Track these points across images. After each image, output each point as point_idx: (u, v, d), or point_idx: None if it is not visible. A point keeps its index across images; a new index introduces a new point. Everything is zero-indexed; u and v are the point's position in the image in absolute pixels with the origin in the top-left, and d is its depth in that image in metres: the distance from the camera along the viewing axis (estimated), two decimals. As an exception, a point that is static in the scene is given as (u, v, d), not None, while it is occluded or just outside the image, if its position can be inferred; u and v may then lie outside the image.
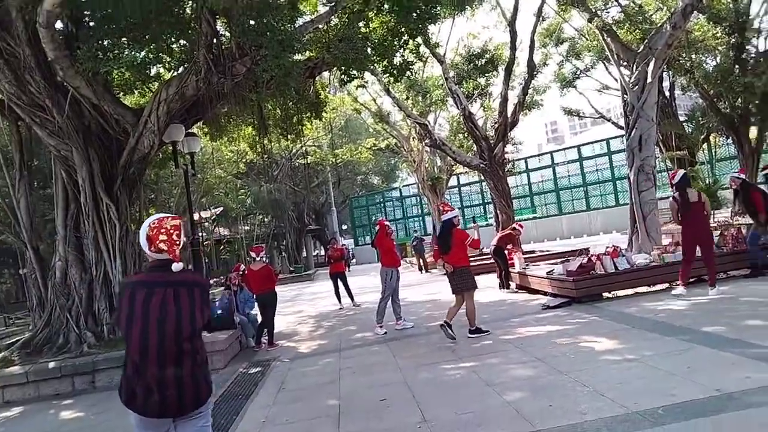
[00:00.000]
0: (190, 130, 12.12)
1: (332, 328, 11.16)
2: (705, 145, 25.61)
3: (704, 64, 20.68)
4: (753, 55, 19.57)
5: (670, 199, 8.78)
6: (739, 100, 19.49)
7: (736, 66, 19.32)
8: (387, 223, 10.38)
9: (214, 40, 9.79)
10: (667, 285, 9.52)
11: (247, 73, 9.60)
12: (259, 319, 10.20)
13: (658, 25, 14.07)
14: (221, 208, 38.04)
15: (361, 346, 8.62)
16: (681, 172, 8.92)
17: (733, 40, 19.23)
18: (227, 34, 10.36)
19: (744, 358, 4.89)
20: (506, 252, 12.75)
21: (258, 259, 10.03)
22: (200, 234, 32.42)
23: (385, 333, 9.25)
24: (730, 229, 10.62)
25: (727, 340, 5.56)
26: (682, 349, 5.55)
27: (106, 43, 9.55)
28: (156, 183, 24.75)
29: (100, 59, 8.96)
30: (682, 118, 24.77)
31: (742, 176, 9.69)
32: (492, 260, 13.49)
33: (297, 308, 15.98)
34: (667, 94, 23.10)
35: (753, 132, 20.80)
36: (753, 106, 19.77)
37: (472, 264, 8.36)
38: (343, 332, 10.41)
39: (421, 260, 23.10)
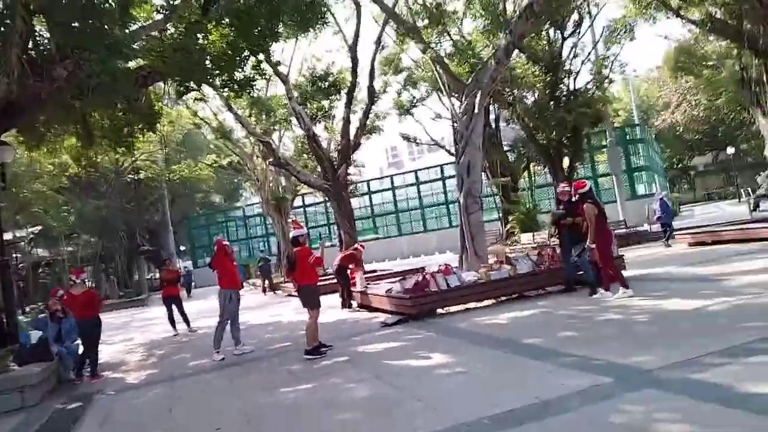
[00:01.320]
0: (1, 139, 10.75)
1: (165, 356, 10.43)
2: (526, 173, 28.31)
3: (524, 99, 22.93)
4: (565, 93, 22.11)
5: (586, 205, 8.75)
6: (554, 132, 21.84)
7: (551, 102, 21.67)
8: (226, 242, 9.98)
9: (30, 40, 8.83)
10: (493, 301, 10.24)
11: (70, 77, 8.76)
12: (81, 349, 9.23)
13: (485, 60, 15.33)
14: (39, 227, 34.18)
15: (197, 374, 8.14)
16: (587, 182, 9.40)
17: (549, 78, 21.58)
18: (47, 33, 9.40)
19: (558, 366, 5.36)
20: (348, 271, 12.91)
21: (78, 282, 9.12)
22: (14, 255, 28.83)
23: (223, 359, 8.82)
24: (547, 248, 11.71)
25: (544, 351, 6.07)
26: (506, 361, 5.97)
27: None
28: (-43, 196, 21.64)
29: None
30: (506, 148, 27.16)
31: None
32: (335, 280, 13.58)
33: (126, 336, 14.75)
34: (493, 125, 25.26)
35: (566, 161, 23.42)
36: (565, 139, 22.28)
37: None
38: (177, 360, 9.77)
39: (266, 281, 22.59)
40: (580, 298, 9.31)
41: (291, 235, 8.43)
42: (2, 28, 9.25)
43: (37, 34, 9.46)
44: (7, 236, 23.64)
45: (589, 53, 22.97)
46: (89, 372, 8.94)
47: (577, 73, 22.72)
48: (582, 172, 31.70)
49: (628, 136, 35.06)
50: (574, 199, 9.49)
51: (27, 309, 25.11)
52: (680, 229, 18.16)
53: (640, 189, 34.08)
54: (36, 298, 30.50)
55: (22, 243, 33.51)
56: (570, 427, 3.90)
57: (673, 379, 4.47)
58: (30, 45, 8.88)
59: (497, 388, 5.04)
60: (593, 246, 8.78)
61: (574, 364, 5.34)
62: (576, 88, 22.47)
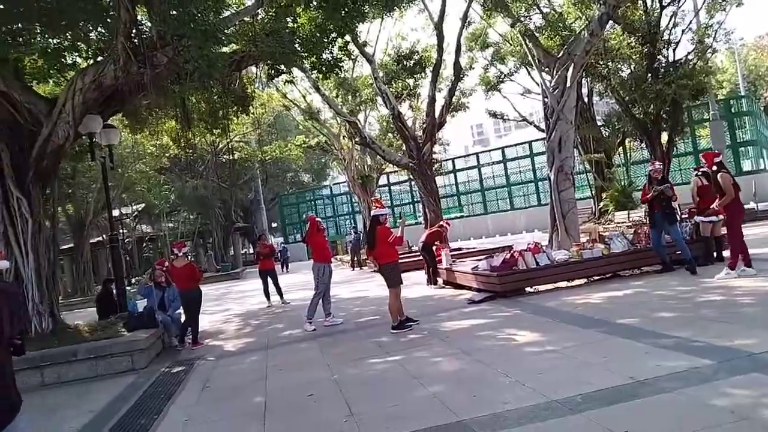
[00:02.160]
0: (108, 122, 11.59)
1: (260, 326, 10.98)
2: (620, 149, 27.02)
3: (620, 72, 21.78)
4: (663, 65, 20.81)
5: (720, 175, 8.39)
6: (652, 106, 20.66)
7: (649, 74, 20.47)
8: (318, 219, 10.32)
9: (134, 29, 9.38)
10: (585, 280, 9.97)
11: (169, 63, 9.25)
12: (183, 318, 9.90)
13: (577, 32, 14.70)
14: (143, 205, 36.61)
15: (289, 344, 8.52)
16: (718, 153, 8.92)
17: (646, 49, 20.38)
18: (148, 22, 9.96)
19: (655, 347, 5.18)
20: (434, 249, 12.96)
21: (180, 255, 9.72)
22: (121, 231, 31.11)
23: (314, 329, 9.18)
24: (644, 227, 11.23)
25: (640, 331, 5.87)
26: (599, 340, 5.82)
27: (16, 27, 8.97)
28: (73, 177, 23.57)
29: (10, 44, 8.41)
30: (599, 123, 26.00)
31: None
32: (420, 257, 13.68)
33: (224, 307, 15.62)
34: (586, 99, 24.18)
35: (664, 137, 22.13)
36: (664, 113, 21.03)
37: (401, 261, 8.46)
38: (271, 330, 10.26)
39: (355, 257, 23.16)
40: (678, 278, 8.89)
41: (372, 213, 8.55)
42: (109, 20, 9.95)
43: (139, 23, 10.04)
44: (115, 213, 25.56)
45: (690, 22, 21.40)
46: (191, 339, 9.56)
47: (677, 43, 21.25)
48: (682, 148, 29.87)
49: (733, 109, 32.53)
50: (704, 171, 9.11)
51: (133, 281, 27.12)
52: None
53: (746, 165, 31.67)
54: (140, 270, 32.83)
55: (128, 219, 36.02)
56: (667, 408, 3.78)
57: (783, 363, 4.21)
58: (133, 34, 9.42)
59: (589, 367, 4.94)
60: (721, 218, 8.33)
61: (671, 345, 5.14)
62: (676, 59, 21.05)
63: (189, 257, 9.95)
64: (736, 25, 61.42)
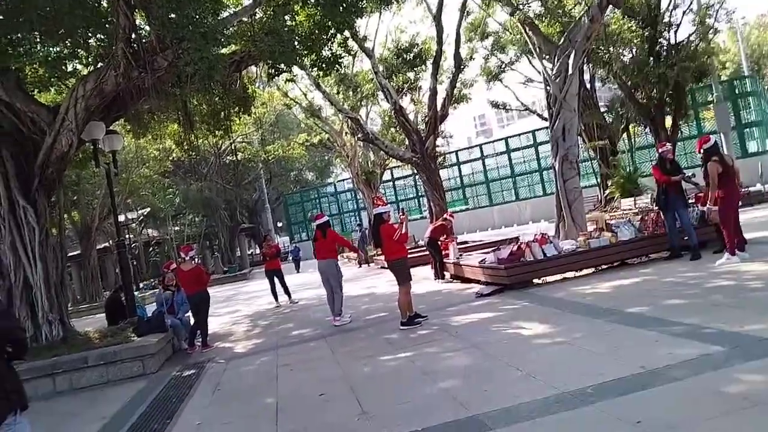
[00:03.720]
0: (110, 128, 11.60)
1: (269, 327, 11.00)
2: (625, 135, 26.87)
3: (621, 57, 21.65)
4: (665, 48, 20.68)
5: (710, 163, 8.21)
6: (655, 90, 20.55)
7: (651, 58, 20.35)
8: (326, 217, 10.31)
9: (133, 34, 9.38)
10: (593, 269, 9.93)
11: (169, 67, 9.24)
12: (192, 321, 9.93)
13: (577, 18, 14.60)
14: (148, 209, 36.73)
15: (299, 343, 8.54)
16: (711, 137, 8.68)
17: (647, 33, 20.25)
18: (147, 27, 9.96)
19: (665, 335, 5.15)
20: (440, 243, 12.92)
21: (187, 258, 9.74)
22: (127, 236, 31.23)
23: (350, 316, 9.45)
24: (650, 213, 11.17)
25: (649, 320, 5.85)
26: (609, 330, 5.80)
27: (15, 37, 8.98)
28: (77, 184, 23.65)
29: (10, 54, 8.42)
30: (602, 109, 25.86)
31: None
32: (427, 252, 13.65)
33: (232, 308, 15.66)
34: (588, 85, 24.02)
35: (668, 121, 22.00)
36: (667, 96, 20.91)
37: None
38: (280, 330, 10.29)
39: (363, 254, 23.05)
40: (687, 265, 8.84)
41: (374, 212, 8.54)
42: (108, 26, 9.95)
43: (138, 28, 10.03)
44: (120, 219, 25.63)
45: (691, 2, 21.18)
46: (200, 342, 9.59)
47: (678, 25, 21.07)
48: (686, 131, 29.66)
49: (737, 90, 32.25)
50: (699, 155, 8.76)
51: (141, 285, 27.18)
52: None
53: (752, 146, 31.45)
54: (148, 275, 32.97)
55: (134, 224, 36.14)
56: (679, 397, 3.76)
57: (796, 348, 4.18)
58: (132, 39, 9.42)
59: (600, 357, 4.93)
60: (714, 208, 8.26)
61: (682, 333, 5.11)
62: (677, 41, 20.90)
63: (196, 260, 9.96)
64: (737, 4, 60.56)
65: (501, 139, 43.33)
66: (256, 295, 17.91)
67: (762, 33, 52.03)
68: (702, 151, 8.48)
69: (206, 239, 40.97)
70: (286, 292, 13.75)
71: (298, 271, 27.07)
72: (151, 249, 40.29)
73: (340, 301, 9.59)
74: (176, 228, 39.03)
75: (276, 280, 13.77)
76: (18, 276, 9.42)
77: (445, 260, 12.74)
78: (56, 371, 7.94)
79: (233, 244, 40.30)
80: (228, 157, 37.14)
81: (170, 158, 32.18)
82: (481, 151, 41.79)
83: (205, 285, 9.83)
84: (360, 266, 22.69)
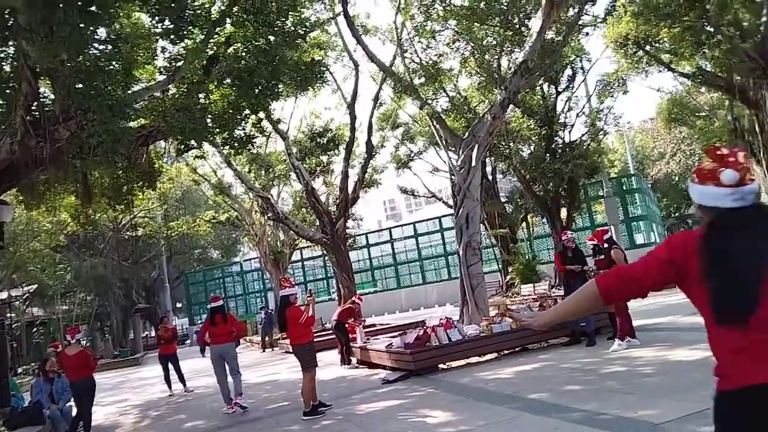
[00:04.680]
0: (0, 198, 10.81)
1: (160, 418, 10.18)
2: (524, 224, 28.44)
3: (520, 152, 23.32)
4: (560, 145, 22.52)
5: (615, 250, 9.05)
6: (551, 184, 22.09)
7: (547, 154, 22.03)
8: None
9: (35, 102, 9.00)
10: (495, 354, 10.09)
11: (71, 137, 8.90)
12: (74, 411, 9.01)
13: (481, 115, 15.63)
14: (35, 286, 33.92)
15: (192, 435, 7.94)
16: (609, 229, 9.51)
17: (544, 131, 22.01)
18: (51, 95, 9.60)
19: (565, 422, 5.25)
20: (347, 326, 12.72)
21: (73, 342, 8.97)
22: (8, 315, 28.46)
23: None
24: (548, 300, 11.63)
25: (550, 406, 5.95)
26: (511, 417, 5.83)
27: None
28: (-47, 256, 21.57)
29: None
30: (503, 200, 27.38)
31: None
32: (333, 335, 13.37)
33: (120, 397, 14.43)
34: (490, 177, 25.53)
35: (563, 212, 23.57)
36: (562, 190, 22.53)
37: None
38: (172, 422, 9.54)
39: (267, 337, 22.17)
40: (583, 350, 9.20)
41: (280, 294, 8.34)
42: (8, 91, 9.50)
43: (41, 95, 9.65)
44: (2, 296, 23.47)
45: (584, 106, 23.49)
46: (83, 435, 8.69)
47: (572, 125, 23.24)
48: (580, 223, 31.78)
49: (624, 186, 35.32)
50: (602, 247, 9.47)
51: (19, 370, 24.59)
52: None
53: (639, 238, 34.11)
54: (29, 358, 29.94)
55: (17, 302, 33.15)
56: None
57: (683, 434, 4.37)
58: (33, 107, 9.02)
59: (503, 446, 4.92)
60: None
61: (582, 420, 5.23)
62: (571, 140, 22.91)
63: (83, 343, 9.18)
64: (623, 110, 67.64)
65: (409, 224, 44.43)
66: (149, 382, 16.63)
67: (645, 136, 57.99)
68: (606, 241, 9.31)
69: (97, 320, 38.10)
70: (181, 379, 12.87)
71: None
72: (34, 330, 36.82)
73: (240, 382, 9.17)
74: (65, 307, 36.11)
75: (170, 365, 12.89)
76: None
77: (351, 344, 12.51)
78: None
79: (126, 325, 37.75)
80: (127, 233, 35.42)
81: (64, 232, 30.29)
82: (390, 235, 42.57)
83: (92, 370, 9.03)
84: (263, 350, 21.79)
